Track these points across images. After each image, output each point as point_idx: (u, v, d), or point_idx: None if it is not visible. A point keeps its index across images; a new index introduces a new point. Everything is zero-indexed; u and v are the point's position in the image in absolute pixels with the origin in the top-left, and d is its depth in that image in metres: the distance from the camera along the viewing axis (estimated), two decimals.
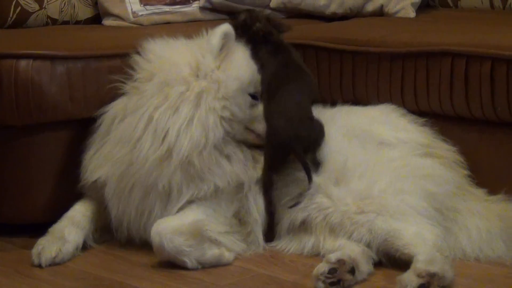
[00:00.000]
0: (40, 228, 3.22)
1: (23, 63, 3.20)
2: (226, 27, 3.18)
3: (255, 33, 3.35)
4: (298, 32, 3.71)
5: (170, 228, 2.97)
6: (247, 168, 3.17)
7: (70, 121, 3.30)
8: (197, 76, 3.13)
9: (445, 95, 3.28)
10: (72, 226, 3.20)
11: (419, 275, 2.68)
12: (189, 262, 2.97)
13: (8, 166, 3.29)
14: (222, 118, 3.11)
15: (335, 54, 3.55)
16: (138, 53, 3.25)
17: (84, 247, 3.21)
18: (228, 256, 3.06)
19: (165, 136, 3.05)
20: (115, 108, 3.21)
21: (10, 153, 3.28)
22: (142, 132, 3.07)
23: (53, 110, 3.23)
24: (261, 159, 3.18)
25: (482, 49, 3.18)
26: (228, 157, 3.13)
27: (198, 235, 3.00)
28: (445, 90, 3.27)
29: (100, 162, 3.17)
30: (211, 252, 3.02)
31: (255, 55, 3.30)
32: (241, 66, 3.19)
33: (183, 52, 3.21)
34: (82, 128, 3.29)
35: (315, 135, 3.12)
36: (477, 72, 3.19)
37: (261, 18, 3.40)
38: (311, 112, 3.19)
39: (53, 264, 3.08)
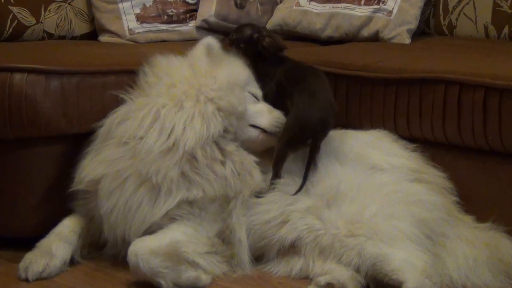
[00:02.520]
0: (28, 242, 3.21)
1: (17, 76, 3.20)
2: (208, 40, 3.31)
3: (264, 48, 3.37)
4: (293, 55, 3.72)
5: (147, 249, 2.95)
6: (239, 180, 3.17)
7: (63, 136, 3.30)
8: (196, 76, 3.22)
9: (437, 122, 3.29)
10: (60, 242, 3.19)
11: None
12: (165, 283, 2.94)
13: None
14: (220, 108, 3.15)
15: (330, 77, 3.54)
16: (143, 67, 3.30)
17: (72, 262, 3.20)
18: (205, 279, 3.04)
19: (171, 131, 3.10)
20: (116, 113, 3.23)
21: (0, 166, 3.27)
22: (148, 128, 3.12)
23: (46, 125, 3.23)
24: (257, 172, 3.21)
25: (476, 78, 3.19)
26: (223, 163, 3.15)
27: (175, 256, 2.98)
28: (438, 117, 3.29)
29: (95, 165, 3.18)
30: (187, 275, 3.00)
31: (260, 67, 3.37)
32: (233, 67, 3.27)
33: (184, 61, 3.31)
34: (74, 144, 3.29)
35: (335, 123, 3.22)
36: (470, 100, 3.20)
37: (268, 33, 3.43)
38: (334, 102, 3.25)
39: (40, 278, 3.07)
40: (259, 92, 3.34)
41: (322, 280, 2.82)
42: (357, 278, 2.94)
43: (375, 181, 3.14)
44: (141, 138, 3.11)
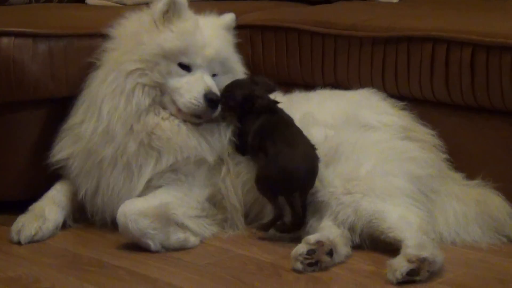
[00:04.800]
0: (18, 206, 3.23)
1: (5, 40, 3.20)
2: None
3: (257, 109, 3.18)
4: (282, 15, 3.73)
5: (136, 210, 2.96)
6: (205, 141, 3.16)
7: (51, 100, 3.30)
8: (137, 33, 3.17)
9: (425, 80, 3.30)
10: (53, 205, 3.20)
11: (409, 260, 2.69)
12: (153, 245, 2.96)
13: None
14: (140, 83, 3.11)
15: (317, 37, 3.56)
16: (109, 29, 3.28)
17: (64, 226, 3.22)
18: (193, 241, 3.06)
19: (99, 113, 3.11)
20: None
21: None
22: (86, 111, 3.15)
23: (34, 88, 3.24)
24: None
25: (463, 35, 3.20)
26: (199, 130, 3.15)
27: (164, 218, 2.99)
28: (426, 75, 3.29)
29: (66, 142, 3.19)
30: (176, 237, 3.01)
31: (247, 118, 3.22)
32: (178, 34, 3.15)
33: (140, 15, 3.25)
34: (62, 108, 3.27)
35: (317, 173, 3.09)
36: (458, 58, 3.21)
37: (261, 93, 3.21)
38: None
39: (33, 241, 3.09)
40: (193, 61, 3.16)
41: (312, 238, 2.83)
42: (347, 236, 2.96)
43: (369, 139, 3.15)
44: (82, 122, 3.15)
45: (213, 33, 3.23)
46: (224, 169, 3.20)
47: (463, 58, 3.19)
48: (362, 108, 3.30)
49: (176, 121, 3.14)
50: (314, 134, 3.17)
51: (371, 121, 3.24)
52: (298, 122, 3.21)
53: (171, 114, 3.14)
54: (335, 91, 3.45)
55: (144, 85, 3.12)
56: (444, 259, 2.77)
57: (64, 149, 3.20)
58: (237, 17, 3.78)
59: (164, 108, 3.15)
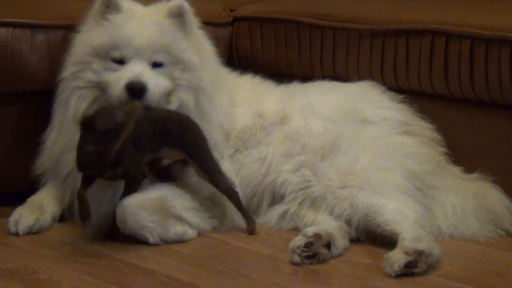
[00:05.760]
0: (16, 197, 3.23)
1: (2, 31, 3.19)
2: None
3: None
4: (281, 7, 3.72)
5: (135, 202, 2.94)
6: None
7: (49, 91, 3.28)
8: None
9: (424, 73, 3.30)
10: (51, 198, 3.20)
11: (406, 253, 2.69)
12: (151, 238, 2.95)
13: None
14: (76, 88, 3.09)
15: (316, 29, 3.56)
16: None
17: (62, 219, 3.21)
18: (191, 234, 3.05)
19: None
20: None
21: None
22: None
23: (33, 79, 3.23)
24: None
25: (462, 28, 3.20)
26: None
27: (163, 211, 2.98)
28: (425, 68, 3.29)
29: (41, 158, 3.22)
30: (174, 230, 3.00)
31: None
32: (107, 29, 3.08)
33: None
34: None
35: None
36: (457, 51, 3.21)
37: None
38: None
39: (30, 233, 3.08)
40: (124, 54, 3.06)
41: (310, 230, 2.83)
42: (345, 228, 2.97)
43: (367, 134, 3.15)
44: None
45: (149, 22, 3.09)
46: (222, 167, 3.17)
47: (462, 51, 3.19)
48: (361, 101, 3.29)
49: None
50: (314, 125, 3.17)
51: (370, 115, 3.24)
52: (297, 113, 3.21)
53: None
54: (334, 83, 3.45)
55: (79, 88, 3.09)
56: (441, 252, 2.78)
57: (39, 166, 3.21)
58: (233, 9, 3.78)
59: None
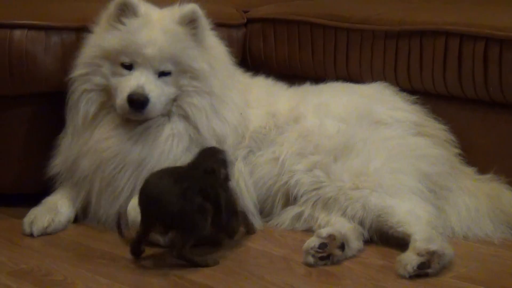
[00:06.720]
0: (29, 198, 3.24)
1: (17, 33, 3.21)
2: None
3: (219, 177, 2.96)
4: (294, 8, 3.73)
5: None
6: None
7: (63, 93, 3.30)
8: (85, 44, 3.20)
9: (438, 74, 3.29)
10: (65, 199, 3.20)
11: (419, 254, 2.69)
12: (162, 239, 2.94)
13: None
14: (86, 90, 3.12)
15: (330, 31, 3.56)
16: None
17: (76, 220, 3.22)
18: None
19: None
20: None
21: (1, 124, 3.29)
22: None
23: (47, 80, 3.24)
24: None
25: (476, 29, 3.19)
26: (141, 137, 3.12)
27: None
28: (439, 69, 3.29)
29: (56, 158, 3.22)
30: None
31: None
32: (121, 33, 3.08)
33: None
34: None
35: None
36: (471, 51, 3.20)
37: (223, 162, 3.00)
38: None
39: (45, 234, 3.09)
40: (133, 60, 3.05)
41: (324, 231, 2.83)
42: (359, 230, 2.96)
43: (380, 136, 3.15)
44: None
45: (162, 30, 3.07)
46: (236, 171, 3.18)
47: (476, 51, 3.19)
48: (374, 102, 3.29)
49: (116, 139, 3.10)
50: (328, 125, 3.17)
51: (384, 116, 3.24)
52: (311, 113, 3.21)
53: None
54: (348, 84, 3.45)
55: (88, 91, 3.11)
56: (453, 252, 2.77)
57: (54, 168, 3.22)
58: (247, 10, 3.78)
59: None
